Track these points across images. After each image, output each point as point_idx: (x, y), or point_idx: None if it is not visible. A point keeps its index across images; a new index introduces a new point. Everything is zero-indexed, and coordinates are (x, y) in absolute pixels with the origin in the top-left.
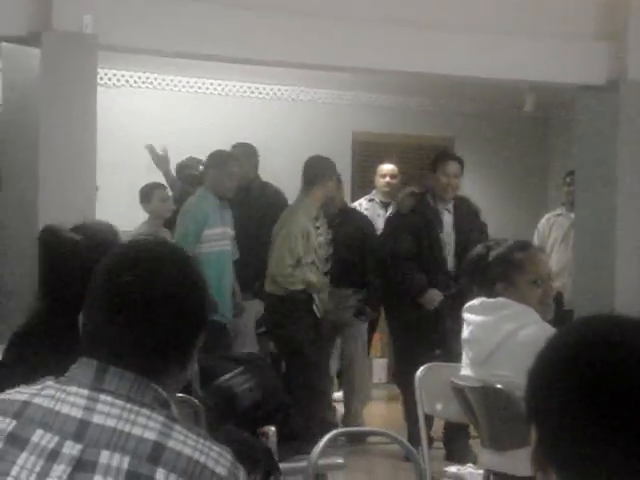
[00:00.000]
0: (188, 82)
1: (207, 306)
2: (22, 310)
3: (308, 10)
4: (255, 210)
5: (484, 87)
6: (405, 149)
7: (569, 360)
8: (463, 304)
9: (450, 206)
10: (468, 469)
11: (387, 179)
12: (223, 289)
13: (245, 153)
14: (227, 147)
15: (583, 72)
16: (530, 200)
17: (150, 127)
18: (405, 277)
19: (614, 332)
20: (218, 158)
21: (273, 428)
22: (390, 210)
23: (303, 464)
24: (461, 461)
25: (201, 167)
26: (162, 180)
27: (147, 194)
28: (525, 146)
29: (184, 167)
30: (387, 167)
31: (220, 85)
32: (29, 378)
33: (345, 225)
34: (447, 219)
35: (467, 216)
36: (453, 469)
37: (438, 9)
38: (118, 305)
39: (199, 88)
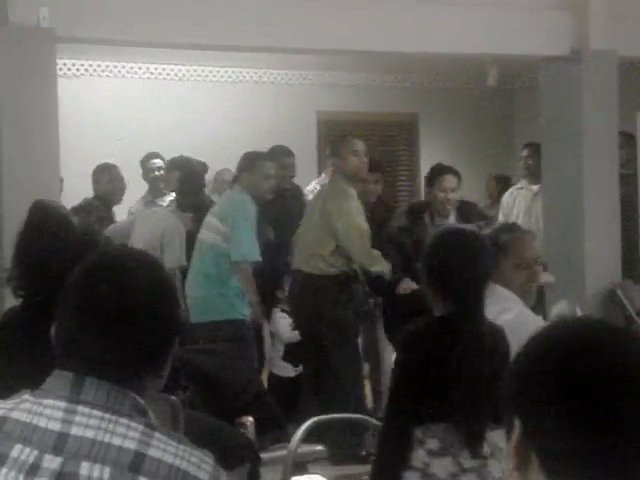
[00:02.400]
0: (148, 68)
1: (179, 314)
2: None
3: None
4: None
5: (447, 62)
6: (370, 126)
7: (560, 362)
8: None
9: (452, 219)
10: None
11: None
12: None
13: (282, 155)
14: (188, 131)
15: (546, 43)
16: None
17: (111, 115)
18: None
19: (603, 336)
20: (249, 160)
21: (251, 418)
22: None
23: (283, 453)
24: None
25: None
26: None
27: None
28: (490, 119)
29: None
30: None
31: (181, 70)
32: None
33: None
34: None
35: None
36: None
37: None
38: (91, 315)
39: (159, 74)
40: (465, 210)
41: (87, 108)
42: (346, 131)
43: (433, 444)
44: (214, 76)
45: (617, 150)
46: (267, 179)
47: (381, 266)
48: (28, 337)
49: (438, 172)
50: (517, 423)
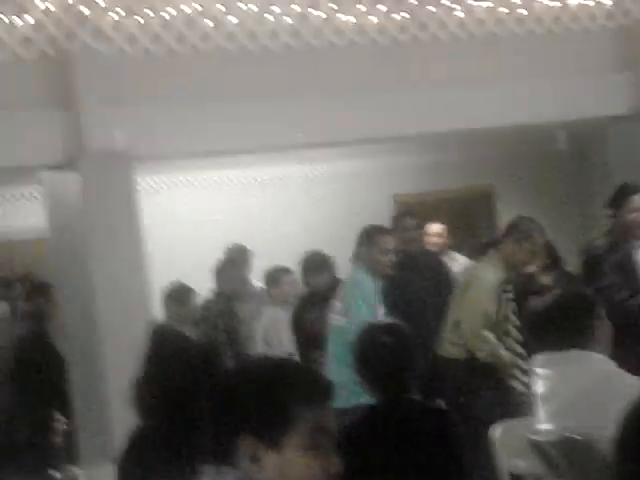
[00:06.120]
0: (227, 176)
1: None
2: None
3: (334, 88)
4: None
5: (516, 132)
6: (447, 204)
7: None
8: None
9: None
10: None
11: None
12: None
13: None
14: (275, 234)
15: (611, 104)
16: (575, 231)
17: (194, 224)
18: None
19: None
20: (366, 233)
21: None
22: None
23: None
24: None
25: None
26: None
27: (275, 278)
28: (564, 183)
29: None
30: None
31: (259, 174)
32: None
33: None
34: None
35: None
36: None
37: (464, 64)
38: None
39: (239, 180)
40: None
41: (169, 221)
42: (424, 212)
43: None
44: (290, 176)
45: None
46: (386, 254)
47: None
48: (164, 452)
49: (624, 193)
50: None
